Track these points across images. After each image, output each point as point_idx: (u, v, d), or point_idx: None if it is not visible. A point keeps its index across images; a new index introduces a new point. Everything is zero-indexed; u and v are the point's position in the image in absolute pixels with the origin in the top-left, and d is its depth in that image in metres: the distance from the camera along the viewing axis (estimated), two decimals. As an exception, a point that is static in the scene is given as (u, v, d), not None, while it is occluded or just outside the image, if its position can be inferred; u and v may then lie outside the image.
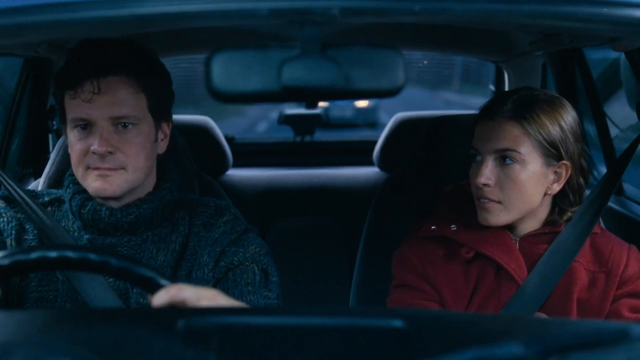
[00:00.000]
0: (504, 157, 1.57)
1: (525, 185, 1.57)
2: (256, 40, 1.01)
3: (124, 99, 1.50)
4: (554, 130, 1.57)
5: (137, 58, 1.53)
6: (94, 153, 1.48)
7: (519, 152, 1.56)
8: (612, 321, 1.55)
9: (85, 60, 1.49)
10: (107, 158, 1.49)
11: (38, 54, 2.02)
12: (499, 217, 1.60)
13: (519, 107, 1.58)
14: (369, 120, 12.64)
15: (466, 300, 1.65)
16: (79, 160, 1.51)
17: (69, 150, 1.55)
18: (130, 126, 1.51)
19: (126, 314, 1.16)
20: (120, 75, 1.49)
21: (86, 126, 1.50)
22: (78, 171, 1.52)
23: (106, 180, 1.50)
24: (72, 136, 1.52)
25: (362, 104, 12.64)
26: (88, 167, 1.50)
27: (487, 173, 1.58)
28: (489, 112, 1.61)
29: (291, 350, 0.86)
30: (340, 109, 11.76)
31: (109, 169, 1.50)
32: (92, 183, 1.50)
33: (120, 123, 1.50)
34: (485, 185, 1.58)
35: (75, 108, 1.49)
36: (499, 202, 1.59)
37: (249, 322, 0.92)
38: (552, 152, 1.58)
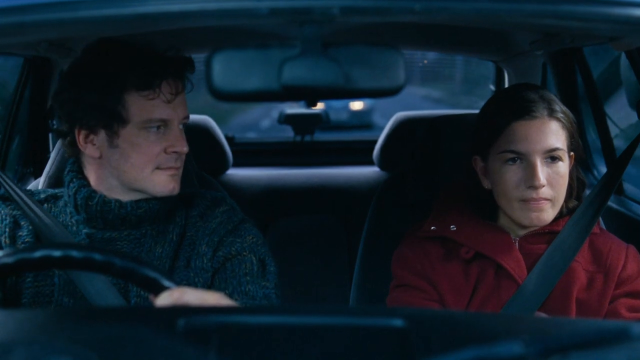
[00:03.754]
0: (551, 156, 1.58)
1: (567, 178, 1.61)
2: (256, 40, 1.01)
3: (185, 100, 1.56)
4: (573, 123, 1.63)
5: (187, 63, 1.57)
6: (175, 152, 1.52)
7: (563, 149, 1.59)
8: (612, 320, 1.55)
9: (163, 61, 1.51)
10: (180, 157, 1.55)
11: (38, 53, 2.02)
12: (549, 214, 1.61)
13: (550, 104, 1.60)
14: (364, 123, 12.71)
15: (466, 300, 1.65)
16: (149, 161, 1.52)
17: (128, 151, 1.51)
18: (182, 126, 1.56)
19: (126, 313, 1.16)
20: (183, 78, 1.55)
21: (160, 126, 1.51)
22: (144, 172, 1.52)
23: (175, 180, 1.55)
24: (142, 138, 1.51)
25: (356, 106, 12.68)
26: (157, 167, 1.52)
27: (542, 173, 1.57)
28: (524, 113, 1.59)
29: (291, 350, 0.86)
30: (335, 111, 11.82)
31: (178, 168, 1.55)
32: (163, 183, 1.53)
33: (183, 123, 1.56)
34: (542, 186, 1.58)
35: (154, 109, 1.50)
36: (550, 200, 1.59)
37: (249, 321, 0.92)
38: (572, 144, 1.62)
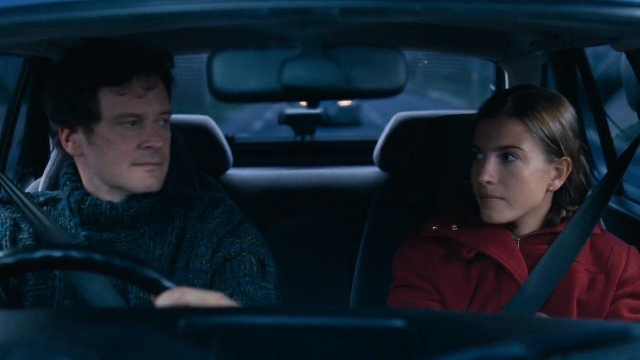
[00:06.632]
0: (507, 155, 1.58)
1: (528, 181, 1.58)
2: (257, 40, 1.01)
3: (164, 95, 1.54)
4: (554, 127, 1.59)
5: (163, 58, 1.56)
6: (149, 148, 1.50)
7: (522, 149, 1.57)
8: (613, 322, 1.55)
9: (133, 57, 1.50)
10: (157, 153, 1.52)
11: (39, 53, 2.02)
12: (503, 214, 1.60)
13: (519, 104, 1.59)
14: (353, 120, 12.97)
15: (467, 301, 1.65)
16: (124, 157, 1.50)
17: (104, 148, 1.51)
18: (166, 122, 1.55)
19: (127, 314, 1.16)
20: (159, 73, 1.53)
21: (135, 122, 1.50)
22: (120, 168, 1.51)
23: (154, 176, 1.52)
24: (114, 133, 1.50)
25: (344, 102, 12.90)
26: (134, 164, 1.51)
27: (491, 171, 1.58)
28: (489, 111, 1.61)
29: (292, 350, 0.86)
30: (324, 107, 12.04)
31: (156, 164, 1.52)
32: (140, 179, 1.51)
33: (163, 119, 1.54)
34: (489, 183, 1.58)
35: (125, 104, 1.49)
36: (503, 199, 1.59)
37: (250, 322, 0.92)
38: (553, 149, 1.59)
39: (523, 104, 1.59)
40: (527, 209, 1.62)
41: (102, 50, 1.52)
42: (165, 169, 1.55)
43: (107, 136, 1.50)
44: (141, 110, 1.50)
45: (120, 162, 1.50)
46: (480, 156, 1.62)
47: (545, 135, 1.58)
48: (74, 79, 1.51)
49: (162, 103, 1.53)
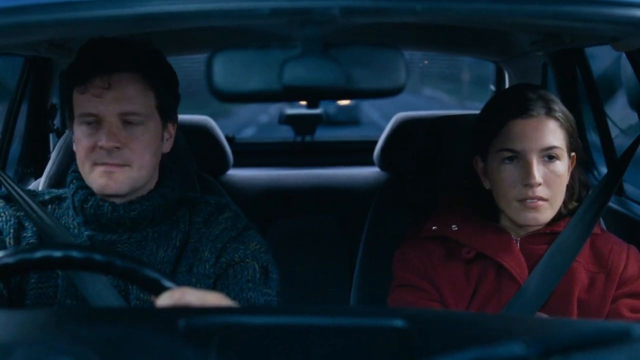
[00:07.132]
0: (549, 155, 1.58)
1: (564, 179, 1.61)
2: (257, 40, 1.01)
3: (133, 95, 1.51)
4: (573, 122, 1.63)
5: (146, 56, 1.55)
6: (101, 148, 1.49)
7: (561, 148, 1.59)
8: (613, 321, 1.55)
9: (96, 56, 1.50)
10: (114, 154, 1.50)
11: (39, 53, 2.02)
12: (546, 214, 1.60)
13: (548, 102, 1.60)
14: (352, 118, 13.11)
15: (467, 301, 1.65)
16: (85, 156, 1.51)
17: (75, 146, 1.56)
18: (137, 123, 1.52)
19: (127, 313, 1.16)
20: (131, 72, 1.51)
21: (94, 122, 1.51)
22: (84, 167, 1.52)
23: (111, 177, 1.50)
24: (80, 132, 1.52)
25: (343, 101, 13.13)
26: (94, 163, 1.51)
27: (539, 172, 1.57)
28: (521, 112, 1.59)
29: (292, 350, 0.86)
30: (324, 106, 12.18)
31: (115, 165, 1.50)
32: (97, 179, 1.51)
33: (128, 119, 1.51)
34: (539, 184, 1.57)
35: (84, 103, 1.50)
36: (547, 200, 1.59)
37: (250, 322, 0.92)
38: (572, 144, 1.62)
39: (550, 101, 1.61)
40: (559, 207, 1.63)
41: (81, 50, 1.55)
42: (134, 173, 1.52)
43: (76, 134, 1.54)
44: (96, 109, 1.49)
45: (83, 160, 1.53)
46: (515, 159, 1.59)
47: (569, 131, 1.61)
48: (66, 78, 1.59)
49: (126, 103, 1.50)
